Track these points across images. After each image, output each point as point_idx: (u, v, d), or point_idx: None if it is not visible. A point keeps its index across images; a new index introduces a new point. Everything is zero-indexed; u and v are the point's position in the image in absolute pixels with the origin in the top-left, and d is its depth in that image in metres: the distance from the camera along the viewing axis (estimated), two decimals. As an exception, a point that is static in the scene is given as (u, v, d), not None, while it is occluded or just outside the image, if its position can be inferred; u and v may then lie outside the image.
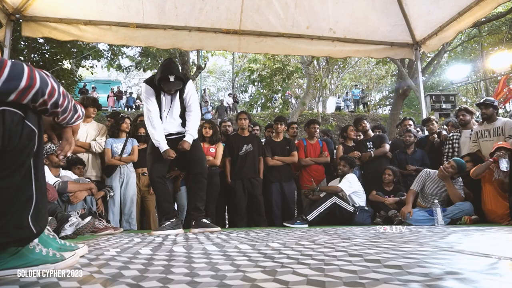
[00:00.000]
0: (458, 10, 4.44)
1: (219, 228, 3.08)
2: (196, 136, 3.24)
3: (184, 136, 3.17)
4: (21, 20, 4.30)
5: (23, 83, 0.98)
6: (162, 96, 3.14)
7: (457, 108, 5.59)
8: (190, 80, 3.30)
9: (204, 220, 3.13)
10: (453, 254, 1.39)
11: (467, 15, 4.38)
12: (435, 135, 5.03)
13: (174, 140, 3.18)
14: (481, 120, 4.32)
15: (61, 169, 3.55)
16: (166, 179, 3.61)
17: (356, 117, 7.51)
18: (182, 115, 3.23)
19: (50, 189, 2.90)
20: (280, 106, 13.34)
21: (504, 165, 3.44)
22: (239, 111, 10.99)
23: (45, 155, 3.34)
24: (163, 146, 3.06)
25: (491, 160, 3.62)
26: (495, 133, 4.00)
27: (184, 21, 4.68)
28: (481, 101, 4.27)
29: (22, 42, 9.09)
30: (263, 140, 4.92)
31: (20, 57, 9.01)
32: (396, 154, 4.94)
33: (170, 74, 2.98)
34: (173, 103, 3.16)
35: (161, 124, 3.13)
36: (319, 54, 5.87)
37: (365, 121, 5.09)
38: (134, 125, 4.49)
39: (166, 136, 3.15)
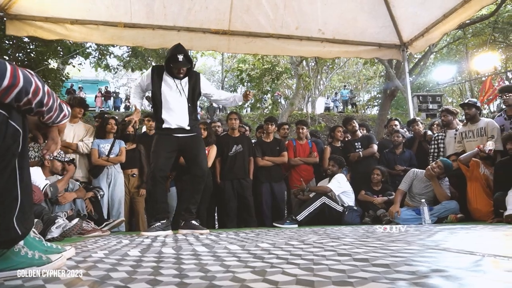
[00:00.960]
0: (444, 12, 4.53)
1: (208, 231, 3.05)
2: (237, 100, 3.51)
3: (192, 134, 3.15)
4: (5, 19, 4.21)
5: (5, 82, 0.96)
6: (169, 80, 3.13)
7: (440, 109, 5.71)
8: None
9: (193, 222, 3.10)
10: (439, 252, 1.42)
11: (452, 17, 4.48)
12: (426, 131, 5.14)
13: (181, 139, 3.11)
14: (465, 121, 4.41)
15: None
16: None
17: (345, 117, 7.59)
18: (191, 109, 3.19)
19: (36, 191, 2.85)
20: (270, 107, 13.33)
21: (488, 146, 3.64)
22: (228, 111, 10.96)
23: (51, 158, 3.31)
24: (137, 105, 3.29)
25: (477, 148, 3.75)
26: (479, 133, 4.07)
27: (173, 21, 4.66)
28: (464, 102, 4.38)
29: (6, 41, 8.89)
30: (253, 141, 4.93)
31: (5, 56, 8.81)
32: (384, 154, 4.99)
33: (179, 53, 3.06)
34: (182, 89, 3.14)
35: (139, 96, 3.33)
36: (308, 54, 5.90)
37: (355, 121, 5.14)
38: (122, 124, 4.43)
39: (173, 130, 3.10)
